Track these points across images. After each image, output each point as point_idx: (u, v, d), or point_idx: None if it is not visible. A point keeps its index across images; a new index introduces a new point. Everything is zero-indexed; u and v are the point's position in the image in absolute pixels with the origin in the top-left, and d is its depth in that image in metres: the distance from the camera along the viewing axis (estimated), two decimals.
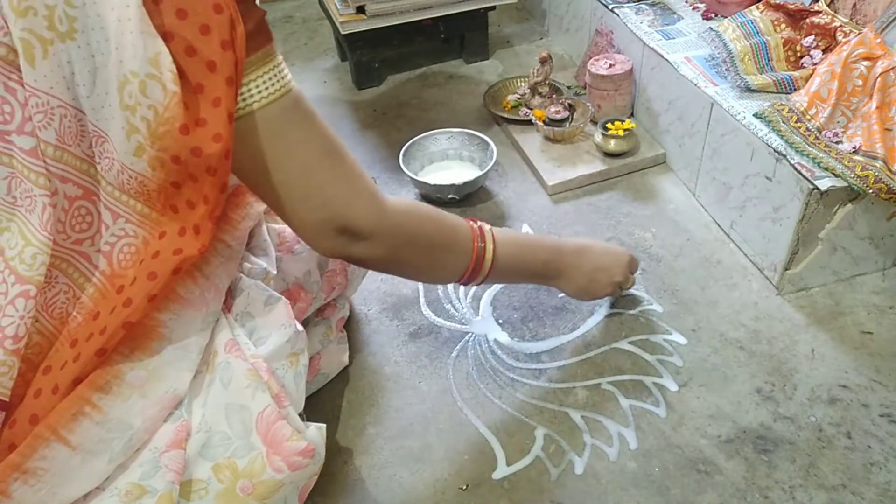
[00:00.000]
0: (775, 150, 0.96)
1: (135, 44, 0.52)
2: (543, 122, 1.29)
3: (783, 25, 1.12)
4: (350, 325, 1.00)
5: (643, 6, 1.34)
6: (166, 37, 0.52)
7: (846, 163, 0.92)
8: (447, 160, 1.29)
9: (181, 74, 0.53)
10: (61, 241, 0.59)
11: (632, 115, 1.34)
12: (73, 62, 0.54)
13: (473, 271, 0.77)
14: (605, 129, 1.23)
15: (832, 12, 1.07)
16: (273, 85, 0.59)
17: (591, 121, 1.30)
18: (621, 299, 1.02)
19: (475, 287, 1.06)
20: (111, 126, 0.56)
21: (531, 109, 1.33)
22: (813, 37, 1.08)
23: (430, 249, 0.74)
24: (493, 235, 0.79)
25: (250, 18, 0.57)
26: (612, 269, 0.91)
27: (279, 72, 0.59)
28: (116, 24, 0.52)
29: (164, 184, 0.57)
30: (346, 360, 0.93)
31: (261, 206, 0.72)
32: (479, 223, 0.79)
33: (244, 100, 0.58)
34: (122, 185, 0.58)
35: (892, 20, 0.97)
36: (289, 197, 0.63)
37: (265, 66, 0.58)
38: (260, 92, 0.58)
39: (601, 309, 1.00)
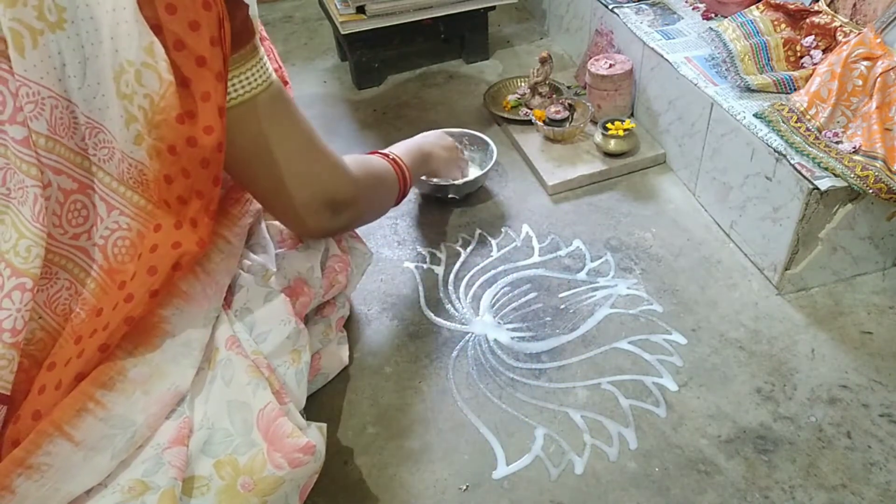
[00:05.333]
0: (775, 150, 0.96)
1: (130, 33, 0.53)
2: (543, 122, 1.29)
3: (783, 25, 1.12)
4: (350, 325, 1.00)
5: (643, 6, 1.34)
6: (155, 29, 0.53)
7: (846, 163, 0.92)
8: None
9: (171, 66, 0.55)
10: (59, 236, 0.59)
11: (632, 115, 1.34)
12: (63, 53, 0.54)
13: (402, 193, 0.93)
14: (605, 129, 1.23)
15: (832, 12, 1.08)
16: (258, 77, 0.61)
17: (591, 121, 1.30)
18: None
19: (475, 287, 1.06)
20: (106, 116, 0.57)
21: (531, 109, 1.33)
22: (813, 37, 1.08)
23: (382, 192, 0.88)
24: (398, 157, 0.93)
25: (237, 15, 0.58)
26: (441, 137, 1.11)
27: (263, 65, 0.62)
28: (111, 13, 0.53)
29: (158, 175, 0.58)
30: (346, 359, 0.93)
31: (259, 203, 0.73)
32: (385, 152, 0.93)
33: (232, 93, 0.59)
34: (121, 175, 0.59)
35: (892, 20, 0.98)
36: (278, 180, 0.66)
37: (251, 60, 0.60)
38: (246, 85, 0.60)
39: (600, 309, 1.00)
